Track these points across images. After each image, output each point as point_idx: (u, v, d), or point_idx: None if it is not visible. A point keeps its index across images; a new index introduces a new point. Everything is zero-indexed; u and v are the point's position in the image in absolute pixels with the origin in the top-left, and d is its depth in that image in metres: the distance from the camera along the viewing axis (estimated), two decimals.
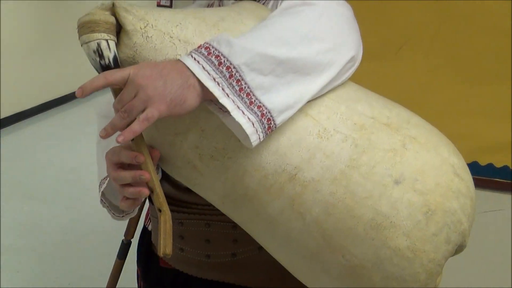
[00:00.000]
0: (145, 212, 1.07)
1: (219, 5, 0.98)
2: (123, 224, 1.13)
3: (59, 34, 5.44)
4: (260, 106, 0.64)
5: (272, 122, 0.65)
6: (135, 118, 0.61)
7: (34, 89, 5.13)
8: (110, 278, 1.05)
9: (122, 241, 1.02)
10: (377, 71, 1.62)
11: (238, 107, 0.63)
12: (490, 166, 1.64)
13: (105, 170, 0.83)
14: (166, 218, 0.69)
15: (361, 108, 0.74)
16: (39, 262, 2.59)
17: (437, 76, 1.64)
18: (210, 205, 0.83)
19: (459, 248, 0.75)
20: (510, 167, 1.63)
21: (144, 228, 1.08)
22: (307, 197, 0.69)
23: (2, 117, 4.66)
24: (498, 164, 1.62)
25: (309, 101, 0.71)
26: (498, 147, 1.62)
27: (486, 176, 1.65)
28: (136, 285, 1.07)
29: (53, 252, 2.68)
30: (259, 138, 0.64)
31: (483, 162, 1.66)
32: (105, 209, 0.92)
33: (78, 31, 0.64)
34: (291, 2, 0.75)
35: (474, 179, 1.67)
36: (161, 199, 0.69)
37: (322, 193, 0.69)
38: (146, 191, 0.68)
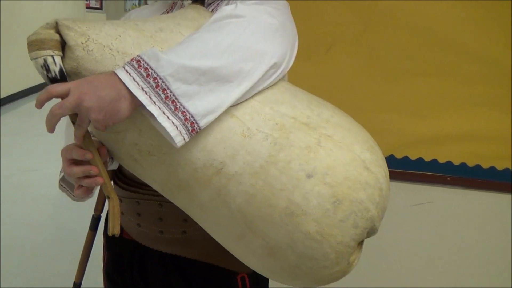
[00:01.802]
0: None
1: (181, 7, 1.07)
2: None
3: None
4: (184, 112, 0.74)
5: (195, 125, 0.75)
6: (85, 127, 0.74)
7: None
8: (84, 248, 1.19)
9: (93, 215, 1.15)
10: (307, 71, 1.66)
11: (164, 113, 0.73)
12: (420, 160, 1.72)
13: None
14: (114, 204, 0.81)
15: (284, 110, 0.84)
16: None
17: (362, 76, 1.69)
18: None
19: (371, 231, 0.86)
20: (439, 161, 1.70)
21: None
22: (231, 188, 0.80)
23: None
24: (427, 158, 1.71)
25: (237, 104, 0.82)
26: (417, 142, 1.69)
27: (417, 170, 1.72)
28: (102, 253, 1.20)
29: None
30: (184, 139, 0.75)
31: (400, 155, 1.73)
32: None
33: (27, 49, 0.74)
34: (221, 14, 0.84)
35: (405, 172, 1.74)
36: (109, 188, 0.81)
37: (244, 185, 0.80)
38: (100, 180, 0.79)
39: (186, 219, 1.02)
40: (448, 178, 1.69)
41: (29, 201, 3.42)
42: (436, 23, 1.60)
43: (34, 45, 0.73)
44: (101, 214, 1.13)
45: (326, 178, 0.79)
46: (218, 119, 0.80)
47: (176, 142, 0.74)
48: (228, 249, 0.91)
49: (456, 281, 1.77)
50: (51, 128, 0.74)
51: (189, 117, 0.75)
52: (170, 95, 0.73)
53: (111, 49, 0.77)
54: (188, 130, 0.75)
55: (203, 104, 0.76)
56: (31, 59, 0.74)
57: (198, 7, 0.96)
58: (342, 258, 0.83)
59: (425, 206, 1.74)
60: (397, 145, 1.71)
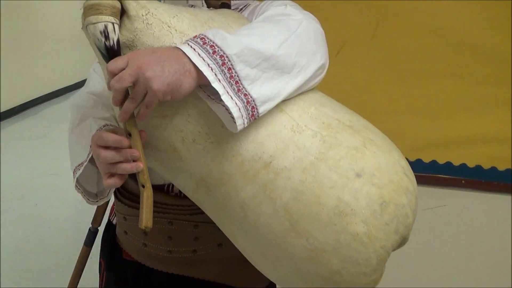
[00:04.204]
0: (110, 206, 1.09)
1: None
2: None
3: (3, 47, 5.37)
4: (246, 94, 0.71)
5: (255, 110, 0.72)
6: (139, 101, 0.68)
7: None
8: (77, 264, 1.06)
9: (89, 228, 1.03)
10: None
11: (228, 92, 0.70)
12: (433, 162, 1.70)
13: (79, 157, 0.87)
14: (148, 193, 0.74)
15: (327, 111, 0.84)
16: None
17: (374, 77, 1.65)
18: (174, 204, 0.88)
19: (403, 241, 0.85)
20: (453, 163, 1.68)
21: (109, 222, 1.10)
22: (279, 184, 0.77)
23: None
24: (441, 160, 1.69)
25: (284, 100, 0.80)
26: (438, 144, 1.67)
27: (431, 173, 1.69)
28: (98, 275, 1.08)
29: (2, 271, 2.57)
30: (244, 123, 0.71)
31: (426, 159, 1.70)
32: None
33: (84, 12, 0.69)
34: (273, 12, 0.84)
35: (419, 176, 1.67)
36: (145, 176, 0.74)
37: (293, 180, 0.76)
38: (141, 165, 0.72)
39: (197, 237, 0.95)
40: (463, 181, 1.67)
41: (50, 204, 3.37)
42: (450, 23, 1.57)
43: (95, 9, 0.68)
44: (99, 228, 1.02)
45: (374, 179, 0.79)
46: (268, 112, 0.77)
47: (237, 125, 0.71)
48: (254, 258, 0.86)
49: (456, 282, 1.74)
50: (119, 102, 0.70)
51: (251, 100, 0.72)
52: (234, 75, 0.71)
53: (169, 26, 0.74)
54: (249, 114, 0.72)
55: (263, 90, 0.74)
56: (88, 24, 0.68)
57: (231, 10, 0.95)
58: (380, 265, 0.81)
59: (439, 209, 1.71)
60: (410, 147, 1.67)
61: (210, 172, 0.78)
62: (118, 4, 0.70)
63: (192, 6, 1.06)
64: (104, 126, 0.86)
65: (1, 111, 5.33)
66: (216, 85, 0.69)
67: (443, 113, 1.64)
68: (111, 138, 0.74)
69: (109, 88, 0.68)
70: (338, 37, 1.65)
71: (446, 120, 1.65)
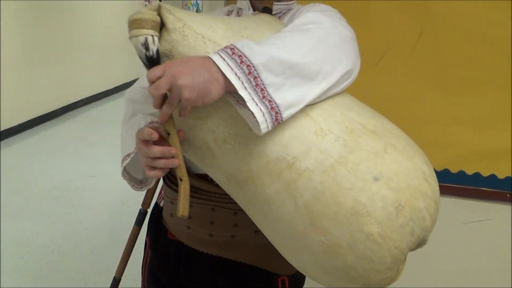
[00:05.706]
0: (159, 191, 1.21)
1: (237, 15, 1.12)
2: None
3: (47, 50, 5.46)
4: (271, 101, 0.78)
5: (279, 115, 0.79)
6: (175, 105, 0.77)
7: (19, 106, 5.12)
8: (128, 242, 1.19)
9: (140, 210, 1.15)
10: (358, 81, 1.57)
11: (253, 99, 0.77)
12: (477, 175, 1.65)
13: (128, 147, 0.97)
14: (186, 186, 0.83)
15: (353, 115, 0.89)
16: (23, 281, 2.55)
17: (418, 85, 1.62)
18: (216, 193, 0.97)
19: (421, 242, 0.89)
20: (497, 176, 1.63)
21: (156, 204, 1.21)
22: (301, 183, 0.83)
23: None
24: (485, 173, 1.64)
25: (310, 104, 0.86)
26: (482, 156, 1.62)
27: (474, 186, 1.65)
28: (143, 252, 1.21)
29: (38, 271, 2.66)
30: (268, 127, 0.78)
31: (469, 171, 1.65)
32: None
33: (128, 26, 0.77)
34: (303, 20, 0.89)
35: (461, 188, 1.63)
36: (183, 170, 0.83)
37: (314, 181, 0.83)
38: (177, 162, 0.81)
39: (237, 224, 1.04)
40: (508, 195, 1.63)
41: (88, 205, 3.49)
42: (496, 30, 1.51)
43: (137, 23, 0.76)
44: (148, 210, 1.14)
45: (391, 183, 0.83)
46: (294, 117, 0.83)
47: (261, 128, 0.77)
48: (278, 247, 0.93)
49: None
50: (158, 106, 0.78)
51: (275, 106, 0.78)
52: (260, 83, 0.77)
53: (203, 37, 0.81)
54: (272, 119, 0.78)
55: (287, 96, 0.80)
56: (131, 36, 0.77)
57: (269, 14, 1.01)
58: (395, 264, 0.86)
59: (483, 223, 1.67)
60: (452, 158, 1.65)
61: (239, 170, 0.86)
62: (158, 18, 0.78)
63: (239, 9, 1.12)
64: (150, 123, 0.96)
65: (42, 113, 5.50)
66: (242, 92, 0.76)
67: (488, 123, 1.59)
68: (146, 131, 0.83)
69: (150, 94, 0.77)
70: (381, 44, 1.61)
71: (490, 130, 1.59)
